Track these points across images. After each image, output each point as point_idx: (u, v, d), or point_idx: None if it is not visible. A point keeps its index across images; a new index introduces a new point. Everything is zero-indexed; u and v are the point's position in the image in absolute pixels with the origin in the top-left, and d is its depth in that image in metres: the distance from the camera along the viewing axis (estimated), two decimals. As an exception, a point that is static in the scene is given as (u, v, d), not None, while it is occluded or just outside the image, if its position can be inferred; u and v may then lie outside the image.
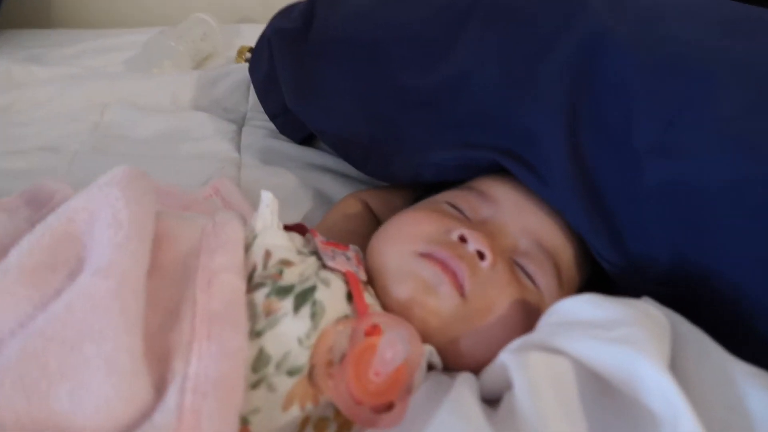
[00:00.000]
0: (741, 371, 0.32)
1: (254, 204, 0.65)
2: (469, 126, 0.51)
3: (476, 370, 0.39)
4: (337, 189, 0.67)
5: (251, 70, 0.85)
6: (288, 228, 0.46)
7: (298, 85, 0.67)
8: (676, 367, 0.34)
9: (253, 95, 0.90)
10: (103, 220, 0.36)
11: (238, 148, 0.78)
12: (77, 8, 1.52)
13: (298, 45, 0.69)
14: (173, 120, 0.85)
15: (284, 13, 0.79)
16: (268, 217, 0.42)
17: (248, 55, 1.21)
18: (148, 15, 1.50)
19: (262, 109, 0.86)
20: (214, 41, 1.26)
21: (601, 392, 0.31)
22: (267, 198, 0.43)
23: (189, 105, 0.93)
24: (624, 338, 0.31)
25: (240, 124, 0.86)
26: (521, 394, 0.29)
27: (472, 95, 0.51)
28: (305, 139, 0.76)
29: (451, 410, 0.29)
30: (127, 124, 0.85)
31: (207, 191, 0.65)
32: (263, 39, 0.79)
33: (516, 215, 0.44)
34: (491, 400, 0.36)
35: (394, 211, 0.59)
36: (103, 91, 0.93)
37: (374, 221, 0.59)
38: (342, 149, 0.64)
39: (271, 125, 0.82)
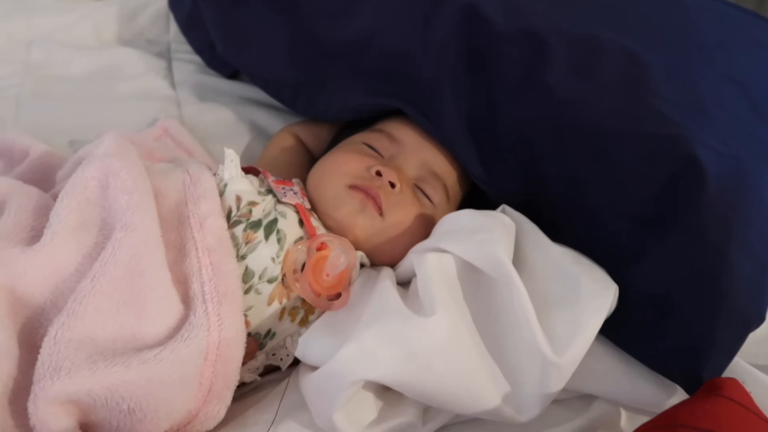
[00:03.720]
0: (557, 252, 0.51)
1: (202, 141, 0.77)
2: (377, 76, 0.64)
3: (393, 264, 0.56)
4: (270, 122, 0.79)
5: (172, 6, 0.91)
6: (245, 170, 0.60)
7: (226, 31, 0.77)
8: (519, 250, 0.53)
9: (173, 25, 0.96)
10: (115, 187, 0.49)
11: (173, 85, 0.87)
12: None
13: (220, -8, 0.78)
14: (103, 57, 0.91)
15: (200, -51, 0.85)
16: (233, 169, 0.55)
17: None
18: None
19: (184, 39, 0.93)
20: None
21: (472, 273, 0.49)
22: (230, 154, 0.56)
23: (113, 38, 0.98)
24: (485, 240, 0.49)
25: (167, 57, 0.94)
26: (421, 281, 0.47)
27: (378, 51, 0.64)
28: (234, 72, 0.86)
29: (379, 296, 0.47)
30: (59, 63, 0.90)
31: (157, 132, 0.76)
32: (182, -20, 0.85)
33: (415, 152, 0.60)
34: (405, 283, 0.55)
35: (321, 141, 0.74)
36: (23, 28, 0.96)
37: (306, 152, 0.73)
38: (272, 90, 0.75)
39: (198, 58, 0.90)
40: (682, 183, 0.48)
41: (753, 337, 0.50)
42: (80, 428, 0.41)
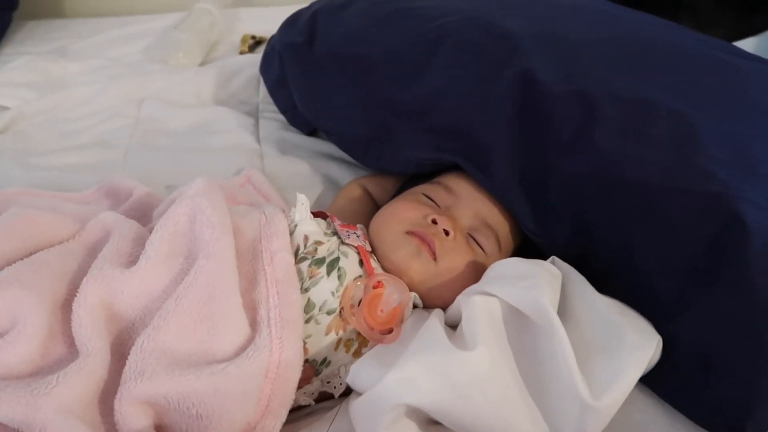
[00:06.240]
0: (602, 302, 0.53)
1: (280, 189, 0.84)
2: (439, 133, 0.70)
3: (445, 307, 0.60)
4: (342, 174, 0.87)
5: (263, 72, 1.02)
6: (314, 214, 0.66)
7: (307, 92, 0.86)
8: (565, 300, 0.55)
9: (263, 88, 1.08)
10: (201, 222, 0.56)
11: (258, 140, 0.96)
12: (88, -2, 1.65)
13: (305, 58, 0.87)
14: (200, 114, 1.03)
15: (290, 24, 0.95)
16: (303, 212, 0.62)
17: (251, 41, 1.37)
18: (152, 2, 1.62)
19: (271, 101, 1.03)
20: (218, 30, 1.40)
21: (517, 317, 0.52)
22: (302, 199, 0.63)
23: (210, 98, 1.10)
24: (531, 286, 0.51)
25: (255, 116, 1.04)
26: (465, 320, 0.50)
27: (442, 111, 0.70)
28: (312, 130, 0.95)
29: (426, 330, 0.51)
30: (162, 119, 1.02)
31: (241, 180, 0.85)
32: (273, 49, 0.96)
33: (470, 203, 0.64)
34: (454, 326, 0.58)
35: (386, 192, 0.79)
36: (136, 88, 1.10)
37: (372, 202, 0.79)
38: (344, 145, 0.83)
39: (282, 117, 1.00)
40: (727, 239, 0.49)
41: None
42: (155, 430, 0.46)
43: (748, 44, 2.15)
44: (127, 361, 0.48)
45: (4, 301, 0.48)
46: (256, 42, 1.37)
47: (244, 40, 1.36)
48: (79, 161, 0.93)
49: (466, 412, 0.46)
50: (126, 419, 0.45)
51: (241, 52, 1.34)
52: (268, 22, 1.24)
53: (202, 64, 1.28)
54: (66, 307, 0.51)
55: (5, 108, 1.08)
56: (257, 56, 1.14)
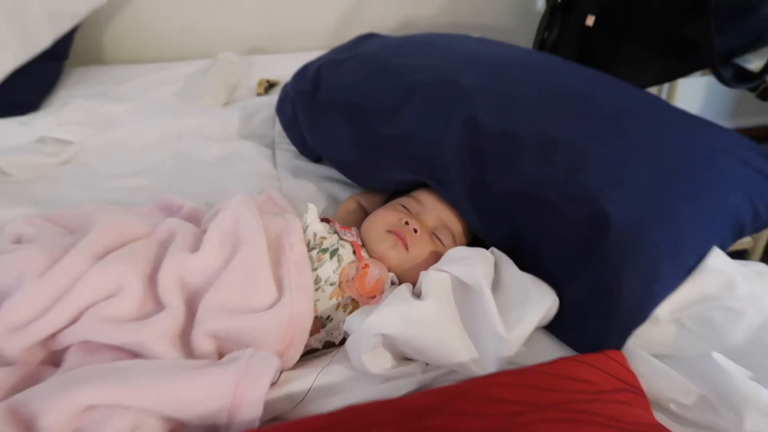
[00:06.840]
0: (521, 276, 0.77)
1: (293, 204, 1.09)
2: (412, 161, 0.94)
3: (414, 284, 0.84)
4: (341, 192, 1.11)
5: (278, 113, 1.28)
6: (321, 220, 0.90)
7: (314, 130, 1.11)
8: (497, 274, 0.79)
9: (278, 125, 1.33)
10: (242, 223, 0.80)
11: (275, 167, 1.21)
12: (125, 46, 1.91)
13: (312, 104, 1.13)
14: (227, 147, 1.28)
15: (300, 75, 1.21)
16: (312, 217, 0.86)
17: (266, 84, 1.62)
18: (180, 50, 1.89)
19: (284, 135, 1.29)
20: (238, 75, 1.66)
21: (461, 287, 0.76)
22: (312, 208, 0.87)
23: (235, 133, 1.36)
24: (471, 264, 0.75)
25: (272, 147, 1.29)
26: (423, 285, 0.74)
27: (413, 144, 0.94)
28: (318, 159, 1.20)
29: (396, 291, 0.75)
30: (197, 151, 1.27)
31: (264, 197, 1.09)
32: (287, 95, 1.22)
33: (433, 210, 0.89)
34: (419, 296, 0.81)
35: (375, 205, 1.04)
36: (173, 126, 1.35)
37: (364, 212, 1.04)
38: (342, 169, 1.08)
39: (294, 148, 1.25)
40: (596, 230, 0.74)
41: (662, 337, 0.73)
42: (217, 354, 0.70)
43: (699, 82, 2.41)
44: (197, 313, 0.72)
45: (114, 273, 0.73)
46: (270, 85, 1.63)
47: (260, 84, 1.62)
48: (133, 185, 1.18)
49: (419, 340, 0.69)
50: (200, 345, 0.69)
51: (258, 94, 1.59)
52: (280, 68, 1.50)
53: (225, 104, 1.54)
54: (152, 279, 0.75)
55: (69, 142, 1.33)
56: (272, 98, 1.40)
